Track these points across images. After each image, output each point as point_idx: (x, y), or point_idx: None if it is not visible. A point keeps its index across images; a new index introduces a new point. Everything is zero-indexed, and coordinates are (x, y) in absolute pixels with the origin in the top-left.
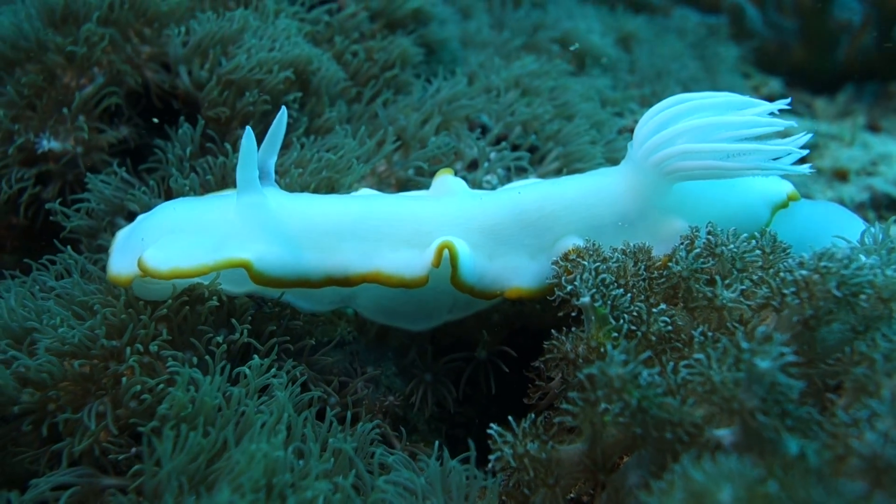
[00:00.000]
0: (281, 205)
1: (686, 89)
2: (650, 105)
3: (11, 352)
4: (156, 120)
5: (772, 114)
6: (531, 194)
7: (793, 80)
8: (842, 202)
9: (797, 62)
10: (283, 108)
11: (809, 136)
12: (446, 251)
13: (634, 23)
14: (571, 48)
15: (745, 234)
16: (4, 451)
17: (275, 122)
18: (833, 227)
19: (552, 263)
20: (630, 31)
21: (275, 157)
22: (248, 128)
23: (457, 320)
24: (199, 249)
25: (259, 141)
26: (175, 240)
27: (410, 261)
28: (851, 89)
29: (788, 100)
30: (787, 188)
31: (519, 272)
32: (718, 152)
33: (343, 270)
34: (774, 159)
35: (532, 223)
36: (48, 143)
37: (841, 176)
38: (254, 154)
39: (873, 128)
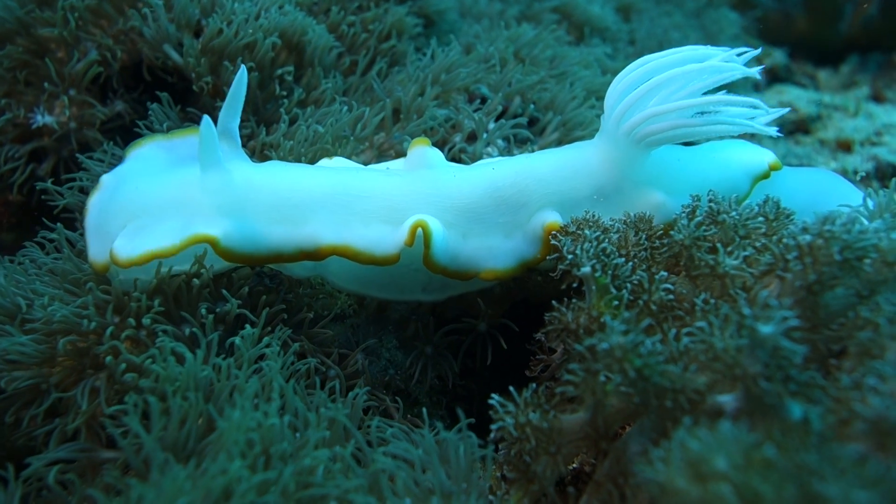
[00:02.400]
0: (247, 178)
1: None
2: None
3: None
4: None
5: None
6: (506, 170)
7: (796, 51)
8: (845, 173)
9: (801, 33)
10: (243, 66)
11: (785, 110)
12: (420, 230)
13: None
14: None
15: (749, 202)
16: (2, 427)
17: (234, 83)
18: (822, 194)
19: (551, 236)
20: (629, 0)
21: (237, 120)
22: (205, 116)
23: (440, 300)
24: (166, 232)
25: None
26: (141, 226)
27: (382, 237)
28: (855, 60)
29: (759, 50)
30: (768, 158)
31: (494, 252)
32: (685, 109)
33: (313, 243)
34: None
35: (507, 199)
36: (42, 118)
37: (845, 147)
38: (214, 137)
39: (877, 98)
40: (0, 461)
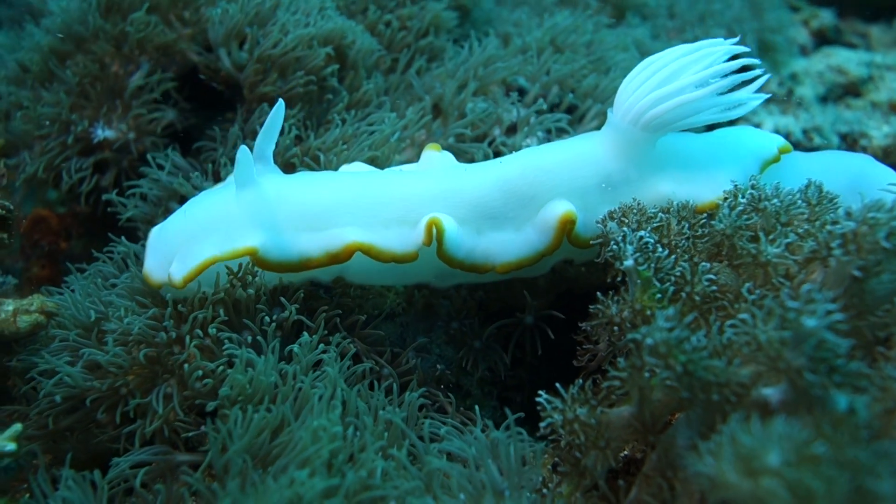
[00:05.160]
0: (277, 192)
1: (730, 32)
2: None
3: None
4: (219, 89)
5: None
6: (514, 163)
7: (845, 9)
8: None
9: None
10: (280, 100)
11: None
12: (434, 227)
13: None
14: None
15: (789, 187)
16: (87, 433)
17: (272, 112)
18: (836, 177)
19: (596, 222)
20: None
21: (272, 146)
22: (242, 146)
23: (446, 287)
24: (210, 247)
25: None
26: (189, 248)
27: (402, 237)
28: None
29: (747, 49)
30: (777, 142)
31: (507, 246)
32: (686, 88)
33: (339, 244)
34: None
35: (516, 191)
36: (102, 132)
37: None
38: (250, 162)
39: None
40: (85, 466)
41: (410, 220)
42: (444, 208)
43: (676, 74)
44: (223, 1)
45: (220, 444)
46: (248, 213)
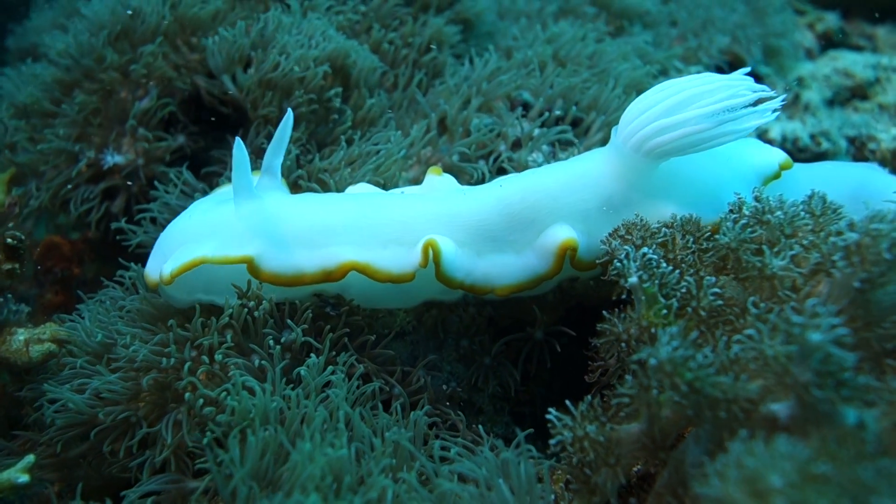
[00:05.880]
0: (279, 208)
1: (734, 38)
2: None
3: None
4: (213, 119)
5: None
6: (513, 186)
7: (851, 11)
8: None
9: None
10: (290, 110)
11: (783, 96)
12: (431, 249)
13: None
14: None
15: (793, 199)
16: (99, 461)
17: (280, 125)
18: (838, 188)
19: (601, 242)
20: None
21: (280, 159)
22: (237, 139)
23: (456, 299)
24: (203, 250)
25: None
26: (185, 249)
27: (399, 258)
28: None
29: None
30: (779, 158)
31: (507, 269)
32: (691, 120)
33: (335, 262)
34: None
35: (516, 215)
36: (112, 159)
37: None
38: (246, 162)
39: None
40: (98, 492)
41: (408, 242)
42: (443, 231)
43: (685, 104)
44: (221, 28)
45: (222, 473)
46: (247, 223)
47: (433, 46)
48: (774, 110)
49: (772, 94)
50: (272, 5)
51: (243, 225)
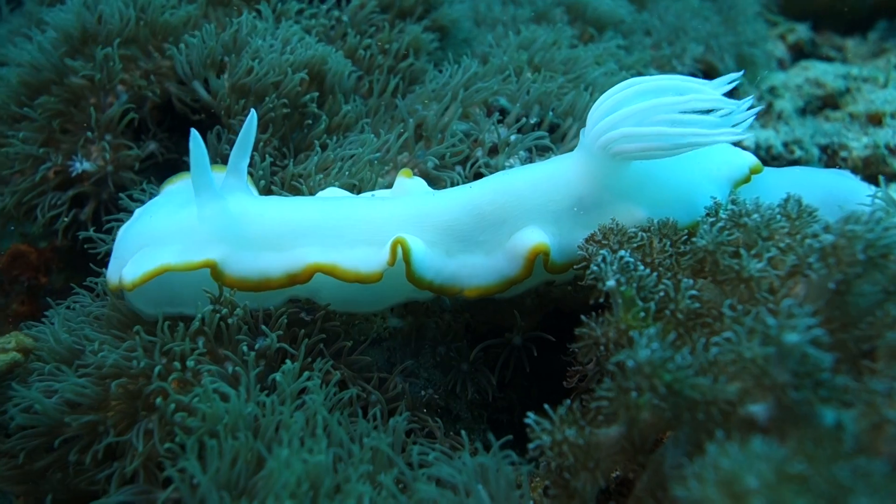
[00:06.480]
0: (244, 209)
1: (707, 47)
2: (669, 69)
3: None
4: (197, 119)
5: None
6: (483, 188)
7: (821, 23)
8: (877, 147)
9: (824, 3)
10: (252, 111)
11: (756, 109)
12: (400, 247)
13: None
14: None
15: (769, 202)
16: (66, 473)
17: (244, 126)
18: (807, 193)
19: (578, 247)
20: None
21: (246, 160)
22: (193, 131)
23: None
24: (167, 255)
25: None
26: (146, 253)
27: (367, 257)
28: (884, 26)
29: (740, 73)
30: (749, 161)
31: (476, 270)
32: (659, 136)
33: (300, 264)
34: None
35: (486, 216)
36: (80, 165)
37: (875, 120)
38: (204, 158)
39: None
40: None
41: (377, 242)
42: (412, 231)
43: (651, 113)
44: (188, 36)
45: (186, 482)
46: (210, 226)
47: (409, 52)
48: (745, 128)
49: (741, 111)
50: (245, 11)
51: (206, 228)
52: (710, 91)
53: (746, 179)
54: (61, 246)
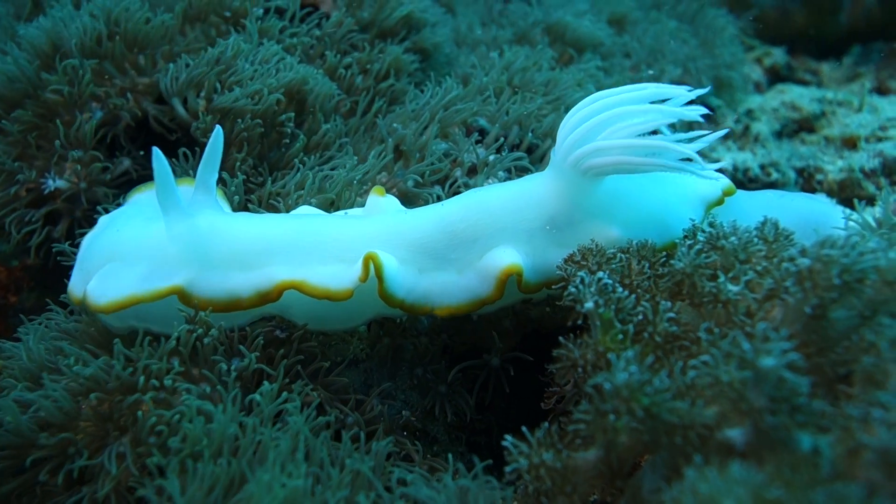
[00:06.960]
0: (212, 227)
1: (685, 69)
2: None
3: (28, 395)
4: (173, 135)
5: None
6: (455, 205)
7: (796, 48)
8: (852, 171)
9: (800, 28)
10: (218, 127)
11: (724, 131)
12: (372, 263)
13: (626, 2)
14: None
15: (747, 225)
16: (32, 496)
17: (210, 140)
18: (779, 217)
19: (557, 267)
20: (622, 12)
21: (215, 175)
22: (155, 150)
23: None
24: (135, 278)
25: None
26: (113, 270)
27: (338, 275)
28: (858, 51)
29: (708, 88)
30: (722, 184)
31: (448, 288)
32: (628, 148)
33: (270, 282)
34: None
35: (458, 233)
36: (53, 183)
37: (850, 144)
38: (168, 176)
39: (882, 90)
40: None
41: (348, 259)
42: (384, 249)
43: (627, 120)
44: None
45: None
46: (178, 245)
47: (389, 72)
48: (709, 141)
49: (696, 116)
50: (227, 28)
51: (175, 247)
52: (677, 97)
53: (720, 201)
54: (33, 265)
